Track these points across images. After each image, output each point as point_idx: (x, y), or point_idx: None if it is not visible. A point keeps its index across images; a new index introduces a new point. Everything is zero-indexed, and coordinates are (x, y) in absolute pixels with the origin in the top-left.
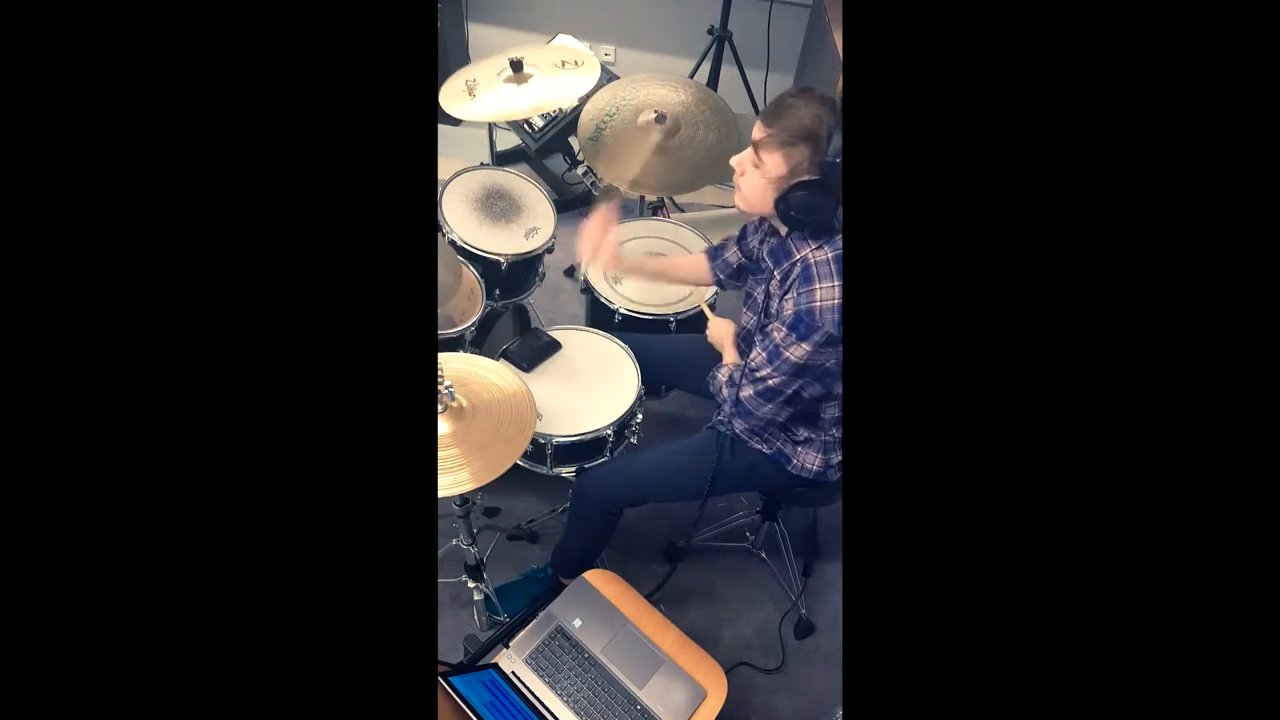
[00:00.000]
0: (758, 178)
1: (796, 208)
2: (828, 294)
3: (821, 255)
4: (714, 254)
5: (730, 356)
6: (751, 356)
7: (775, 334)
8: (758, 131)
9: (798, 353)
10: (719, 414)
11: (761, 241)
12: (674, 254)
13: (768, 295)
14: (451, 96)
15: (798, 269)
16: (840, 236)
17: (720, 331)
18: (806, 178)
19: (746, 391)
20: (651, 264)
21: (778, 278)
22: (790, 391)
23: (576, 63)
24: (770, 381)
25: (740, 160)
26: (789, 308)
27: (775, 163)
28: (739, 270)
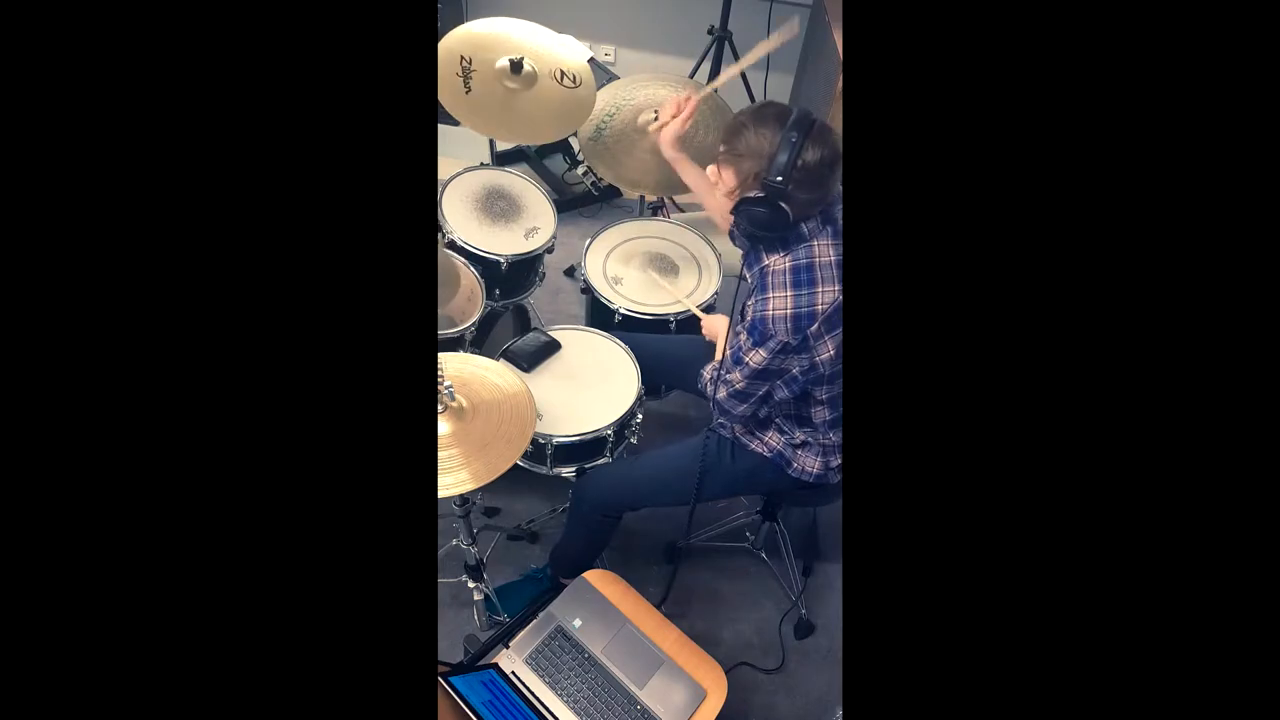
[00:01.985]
0: (719, 191)
1: (750, 221)
2: (779, 303)
3: (780, 264)
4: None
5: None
6: (723, 357)
7: (740, 337)
8: (720, 147)
9: (755, 358)
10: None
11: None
12: (674, 254)
13: (746, 299)
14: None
15: (759, 276)
16: (804, 246)
17: (716, 326)
18: (754, 194)
19: (721, 393)
20: (692, 172)
21: (749, 281)
22: (759, 393)
23: (575, 79)
24: (737, 385)
25: (711, 171)
26: (749, 314)
27: (727, 177)
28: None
